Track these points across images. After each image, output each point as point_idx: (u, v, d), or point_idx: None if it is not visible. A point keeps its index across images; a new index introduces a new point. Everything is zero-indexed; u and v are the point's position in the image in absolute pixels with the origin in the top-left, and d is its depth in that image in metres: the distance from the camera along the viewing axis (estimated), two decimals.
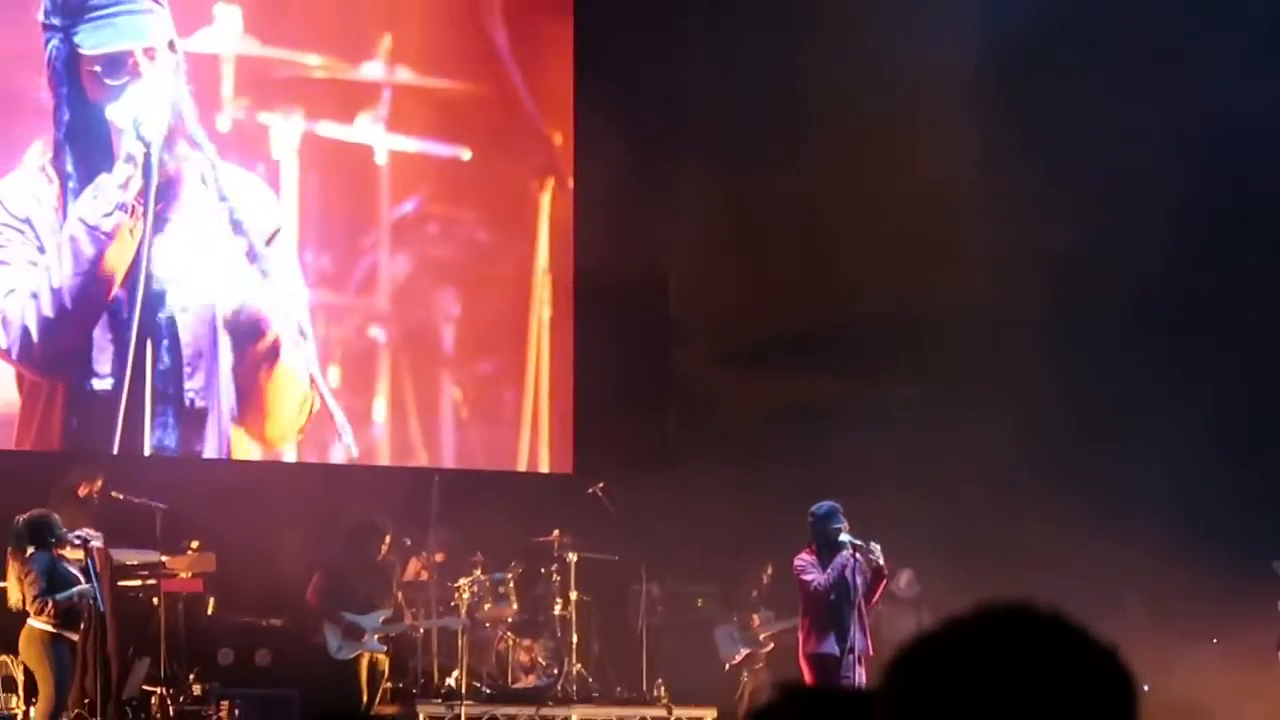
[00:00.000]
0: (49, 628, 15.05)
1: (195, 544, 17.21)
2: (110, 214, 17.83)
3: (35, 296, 17.63)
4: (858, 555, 15.29)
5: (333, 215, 19.18)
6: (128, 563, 16.99)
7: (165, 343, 18.19)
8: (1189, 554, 17.06)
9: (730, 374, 19.80)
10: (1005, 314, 18.82)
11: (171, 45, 18.08)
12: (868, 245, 18.48)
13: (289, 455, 18.97)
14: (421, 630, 17.52)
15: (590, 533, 18.23)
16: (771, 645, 18.36)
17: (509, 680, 17.75)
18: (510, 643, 17.89)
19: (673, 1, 19.50)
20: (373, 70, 19.34)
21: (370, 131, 19.23)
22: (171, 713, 16.55)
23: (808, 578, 15.20)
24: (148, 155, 17.90)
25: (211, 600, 17.48)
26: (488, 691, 17.40)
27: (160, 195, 18.03)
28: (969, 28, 18.06)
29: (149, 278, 18.03)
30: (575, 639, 17.88)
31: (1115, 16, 18.66)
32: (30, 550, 15.28)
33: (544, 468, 19.87)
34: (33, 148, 17.77)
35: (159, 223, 18.10)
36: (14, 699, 15.87)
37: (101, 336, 17.93)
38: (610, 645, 18.50)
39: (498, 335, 19.86)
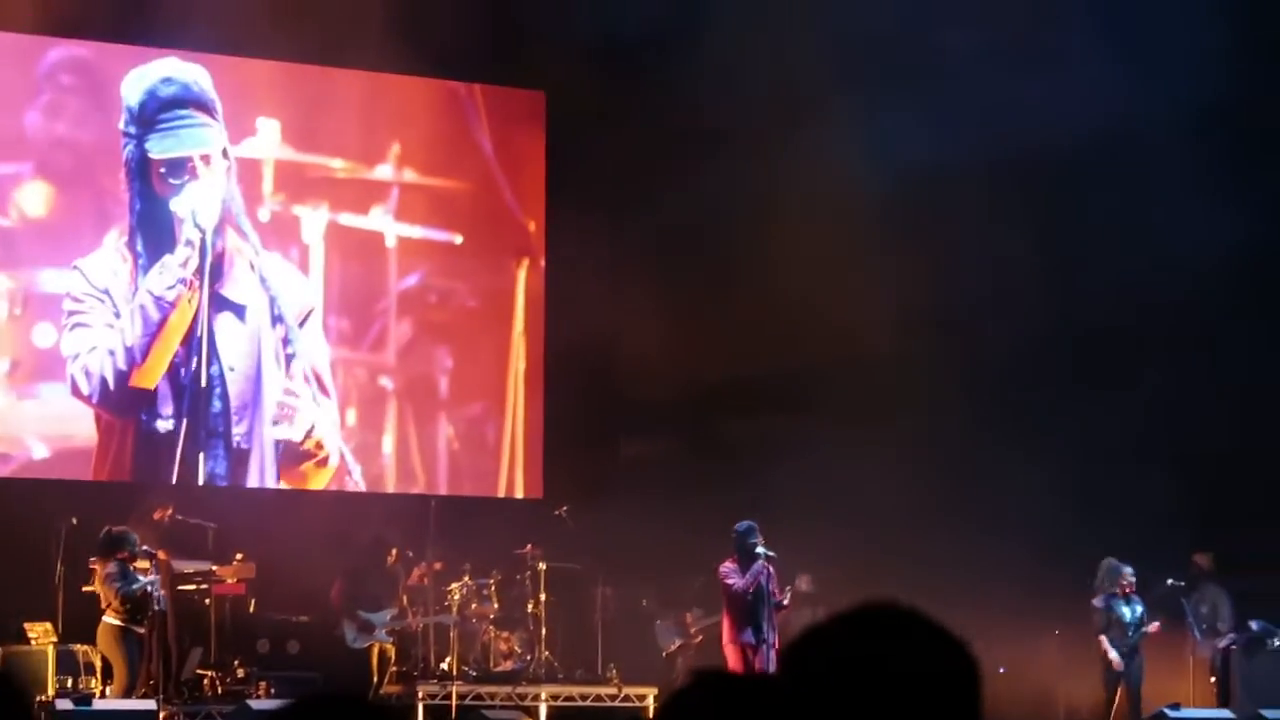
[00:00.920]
0: (119, 622, 15.78)
1: (240, 556, 17.63)
2: (173, 287, 18.24)
3: (111, 353, 18.04)
4: (769, 565, 15.92)
5: (351, 288, 19.52)
6: (185, 571, 17.44)
7: (217, 391, 18.49)
8: (1042, 562, 17.63)
9: (671, 415, 19.83)
10: (906, 364, 18.94)
11: (224, 152, 18.58)
12: (785, 309, 18.57)
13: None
14: (421, 625, 17.87)
15: (556, 546, 18.55)
16: (700, 637, 18.89)
17: (491, 665, 18.12)
18: (492, 635, 18.26)
19: (626, 118, 19.39)
20: (384, 171, 19.73)
21: (382, 221, 19.62)
22: (220, 691, 17.13)
23: (730, 581, 15.93)
24: (203, 240, 18.30)
25: (252, 601, 17.93)
26: (474, 674, 17.73)
27: (213, 273, 18.44)
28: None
29: (203, 339, 18.37)
30: (544, 631, 18.17)
31: None
32: (106, 560, 15.93)
33: (519, 493, 20.11)
34: (110, 232, 18.26)
35: (212, 295, 18.49)
36: (93, 680, 16.52)
37: (164, 386, 18.30)
38: (572, 637, 18.73)
39: (483, 384, 20.10)
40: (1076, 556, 17.96)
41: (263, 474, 18.97)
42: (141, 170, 18.31)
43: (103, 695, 16.12)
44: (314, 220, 19.29)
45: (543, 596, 18.33)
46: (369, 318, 19.74)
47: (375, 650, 17.51)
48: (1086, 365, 19.60)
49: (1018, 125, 17.85)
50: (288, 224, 19.22)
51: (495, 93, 20.42)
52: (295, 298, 19.09)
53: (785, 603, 16.15)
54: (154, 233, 18.35)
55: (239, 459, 18.82)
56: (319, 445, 19.09)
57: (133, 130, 18.33)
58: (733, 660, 15.98)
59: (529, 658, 18.26)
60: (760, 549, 16.02)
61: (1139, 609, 17.65)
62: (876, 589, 16.49)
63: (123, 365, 18.18)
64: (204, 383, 18.50)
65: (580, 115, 19.76)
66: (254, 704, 16.19)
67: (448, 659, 17.75)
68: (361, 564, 17.78)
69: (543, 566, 18.39)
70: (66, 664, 16.52)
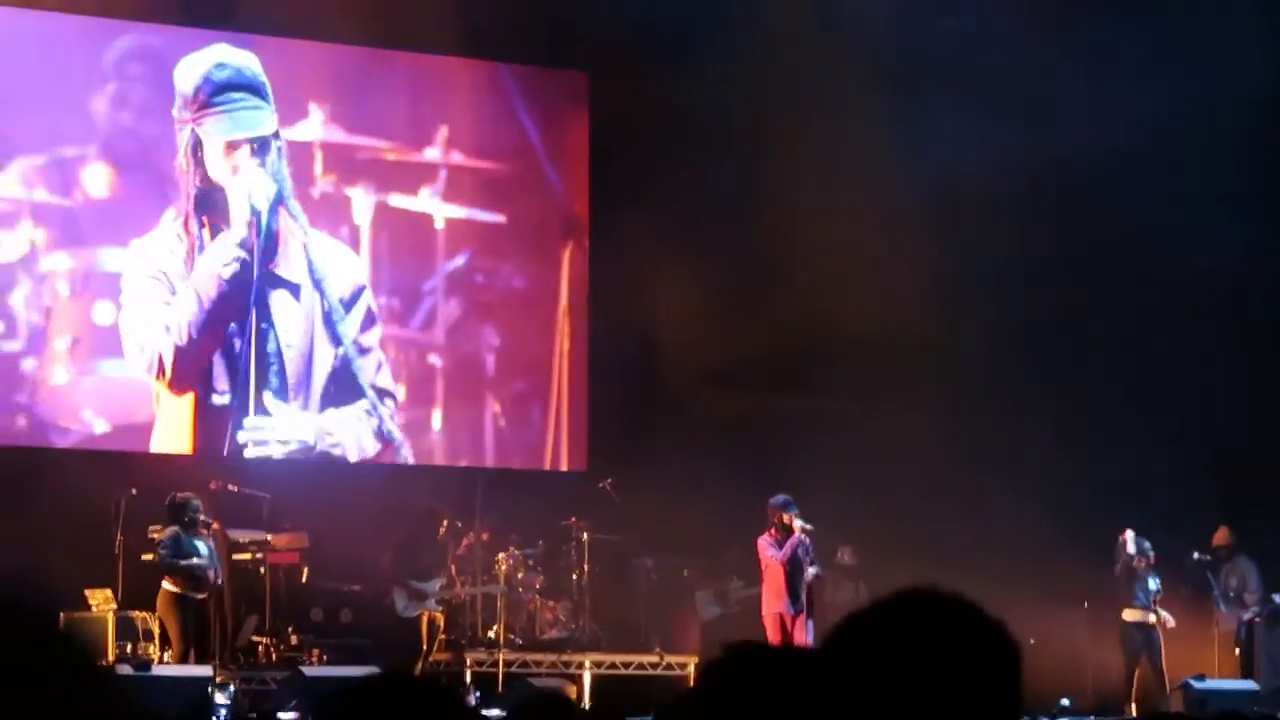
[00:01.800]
0: (177, 590, 16.02)
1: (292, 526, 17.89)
2: (229, 264, 18.40)
3: (168, 329, 18.20)
4: (807, 537, 16.25)
5: (401, 268, 19.66)
6: (240, 540, 17.71)
7: (274, 368, 18.64)
8: (1069, 537, 17.83)
9: (710, 391, 19.56)
10: (935, 342, 19.01)
11: (276, 134, 18.73)
12: (823, 287, 18.41)
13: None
14: (469, 594, 18.02)
15: (600, 518, 18.70)
16: (739, 608, 18.84)
17: (537, 633, 18.34)
18: (538, 604, 18.45)
19: (672, 94, 19.31)
20: (432, 154, 19.82)
21: (430, 202, 19.73)
22: (274, 658, 17.33)
23: (768, 554, 16.26)
24: (257, 221, 18.42)
25: (306, 570, 18.08)
26: (520, 642, 17.95)
27: (266, 252, 18.58)
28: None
29: (259, 316, 18.56)
30: (588, 601, 18.44)
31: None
32: (165, 526, 16.23)
33: (564, 466, 20.25)
34: (167, 213, 18.42)
35: (266, 274, 18.64)
36: (151, 647, 16.61)
37: (219, 362, 18.45)
38: (615, 606, 18.75)
39: (528, 361, 20.25)
40: (1100, 531, 18.14)
41: (315, 446, 19.06)
42: (197, 153, 18.46)
43: (161, 661, 16.25)
44: (364, 202, 19.43)
45: (586, 567, 18.51)
46: (418, 297, 19.87)
47: (425, 619, 17.62)
48: (1105, 339, 19.86)
49: (1044, 127, 18.28)
50: (339, 205, 19.36)
51: (538, 74, 20.54)
52: (346, 277, 19.25)
53: (819, 575, 16.39)
54: (210, 214, 18.50)
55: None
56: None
57: (187, 115, 18.48)
58: (771, 630, 16.21)
59: (574, 626, 18.46)
60: (798, 522, 16.24)
61: (1158, 582, 17.83)
62: (913, 562, 16.85)
63: (180, 341, 18.32)
64: (259, 359, 18.63)
65: (624, 97, 19.71)
66: (307, 670, 16.38)
67: (495, 628, 17.92)
68: (412, 535, 17.88)
69: (587, 538, 18.55)
70: (126, 630, 16.64)
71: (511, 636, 18.01)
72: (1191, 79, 18.03)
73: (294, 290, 18.92)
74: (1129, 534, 17.90)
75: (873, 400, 19.25)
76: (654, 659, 18.14)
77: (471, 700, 16.08)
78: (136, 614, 16.77)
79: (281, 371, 18.79)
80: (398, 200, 19.64)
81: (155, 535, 16.54)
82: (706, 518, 17.96)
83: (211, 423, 18.53)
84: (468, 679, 17.26)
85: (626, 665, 18.02)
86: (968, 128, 18.17)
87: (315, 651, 17.40)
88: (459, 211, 19.99)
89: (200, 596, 16.07)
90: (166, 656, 16.44)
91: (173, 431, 18.46)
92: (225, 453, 18.59)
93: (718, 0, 19.15)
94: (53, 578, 15.73)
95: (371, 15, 18.64)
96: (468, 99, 20.23)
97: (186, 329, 18.36)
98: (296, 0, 18.29)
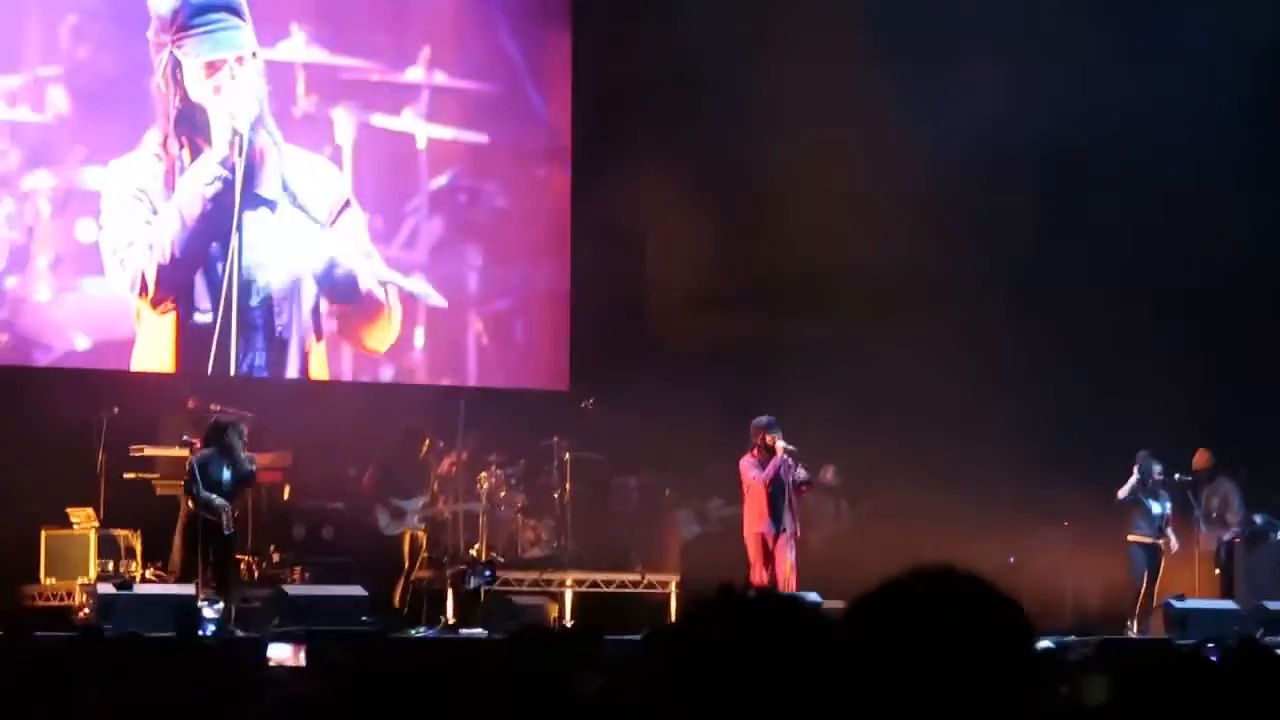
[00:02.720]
0: (191, 509, 15.94)
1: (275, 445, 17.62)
2: (210, 183, 18.27)
3: (150, 247, 18.08)
4: (788, 457, 16.15)
5: (384, 188, 19.58)
6: None
7: (254, 285, 18.56)
8: (1049, 459, 17.93)
9: (692, 313, 19.50)
10: (928, 269, 19.09)
11: (254, 54, 18.53)
12: (804, 214, 18.44)
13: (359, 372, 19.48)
14: (451, 512, 17.88)
15: (581, 437, 18.65)
16: (720, 527, 18.75)
17: (519, 552, 18.32)
18: (520, 523, 18.44)
19: (654, 17, 19.13)
20: (415, 74, 19.67)
21: (413, 122, 19.58)
22: (257, 575, 17.23)
23: (750, 475, 16.19)
24: (238, 140, 18.28)
25: (288, 488, 17.98)
26: (501, 560, 17.84)
27: (248, 171, 18.43)
28: None
29: (240, 235, 18.42)
30: (570, 520, 18.37)
31: None
32: (199, 446, 16.17)
33: (546, 386, 20.16)
34: (148, 133, 18.24)
35: (248, 192, 18.47)
36: (133, 564, 16.60)
37: (201, 281, 18.36)
38: (597, 525, 18.68)
39: (510, 280, 20.20)
40: (1081, 452, 18.23)
41: (301, 365, 19.12)
42: (176, 74, 18.29)
43: (143, 579, 16.25)
44: (346, 122, 19.29)
45: (568, 486, 18.46)
46: (401, 216, 19.78)
47: (407, 537, 17.55)
48: (1100, 268, 19.81)
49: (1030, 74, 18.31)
50: (321, 125, 19.22)
51: None
52: (329, 194, 19.10)
53: (810, 480, 16.38)
54: (190, 134, 18.38)
55: (278, 350, 18.94)
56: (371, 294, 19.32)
57: (165, 38, 18.30)
58: (752, 550, 16.18)
59: (555, 545, 18.43)
60: (780, 443, 16.15)
61: (1167, 504, 17.89)
62: (894, 483, 16.61)
63: (163, 260, 18.21)
64: (241, 276, 18.55)
65: (609, 19, 19.71)
66: (289, 589, 16.37)
67: (476, 546, 17.86)
68: (394, 453, 17.79)
69: (568, 457, 18.50)
70: (107, 548, 16.59)
71: (493, 554, 17.91)
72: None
73: (274, 208, 18.79)
74: (1142, 455, 17.94)
75: (856, 326, 19.25)
76: (635, 577, 18.16)
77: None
78: (118, 532, 16.72)
79: (263, 289, 18.71)
80: (380, 120, 19.51)
81: (136, 453, 16.63)
82: (688, 438, 17.86)
83: (193, 341, 18.45)
84: (449, 597, 17.20)
85: (608, 584, 18.03)
86: (957, 71, 18.29)
87: (297, 569, 17.31)
88: (442, 131, 19.85)
89: (212, 519, 15.81)
90: (149, 574, 16.48)
91: (154, 350, 18.40)
92: (210, 372, 18.48)
93: None
94: (34, 495, 15.93)
95: None
96: (450, 19, 20.07)
97: (170, 247, 18.24)
98: None
